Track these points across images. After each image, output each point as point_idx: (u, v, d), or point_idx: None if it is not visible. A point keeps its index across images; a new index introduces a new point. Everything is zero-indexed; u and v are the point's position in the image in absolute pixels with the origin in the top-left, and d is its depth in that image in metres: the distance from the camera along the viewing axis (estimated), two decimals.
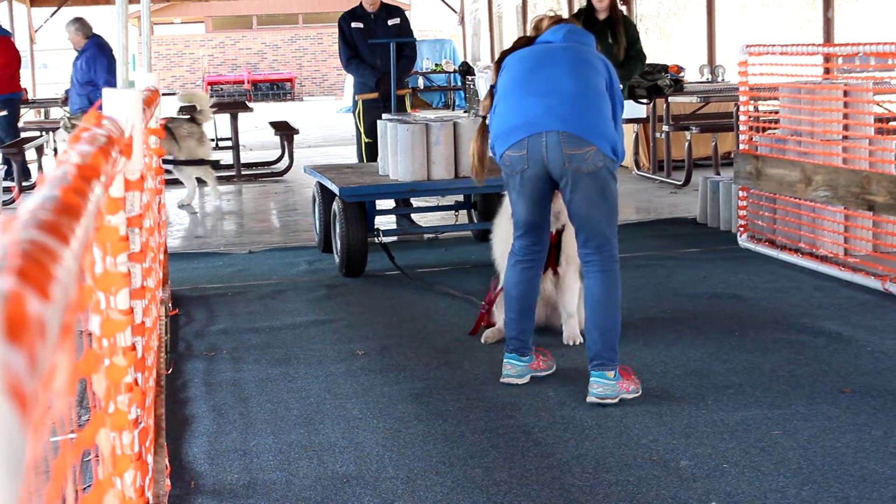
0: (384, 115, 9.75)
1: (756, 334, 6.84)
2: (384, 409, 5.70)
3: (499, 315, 6.85)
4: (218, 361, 6.71)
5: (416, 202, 10.72)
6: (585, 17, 10.65)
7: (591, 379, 5.64)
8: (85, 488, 3.08)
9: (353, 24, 10.77)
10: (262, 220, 12.47)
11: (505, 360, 5.99)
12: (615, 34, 10.62)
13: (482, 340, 6.78)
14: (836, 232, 8.72)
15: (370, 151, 10.51)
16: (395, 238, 10.10)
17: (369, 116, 10.61)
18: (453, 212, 10.66)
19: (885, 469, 4.70)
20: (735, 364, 6.22)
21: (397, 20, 10.90)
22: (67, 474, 1.48)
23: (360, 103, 10.91)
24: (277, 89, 39.98)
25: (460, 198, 10.32)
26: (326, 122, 26.82)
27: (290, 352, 6.83)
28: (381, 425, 5.47)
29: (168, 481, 4.52)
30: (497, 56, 5.84)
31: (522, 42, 5.85)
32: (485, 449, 5.10)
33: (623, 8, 11.18)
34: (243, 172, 15.81)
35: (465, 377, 6.22)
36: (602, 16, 10.64)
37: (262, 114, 24.28)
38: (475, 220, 10.12)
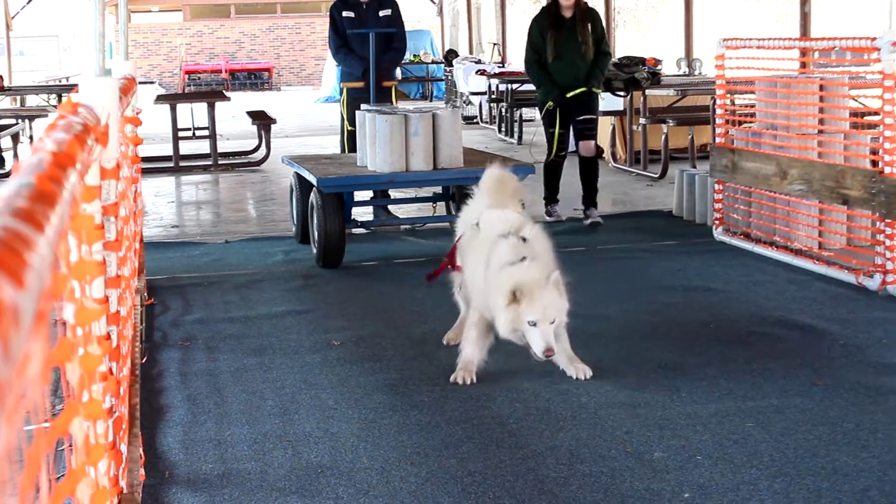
0: (363, 106, 9.72)
1: (730, 327, 6.86)
2: (359, 400, 5.70)
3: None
4: (193, 351, 6.70)
5: (393, 193, 10.69)
6: (548, 13, 10.47)
7: None
8: (59, 478, 3.07)
9: (345, 13, 10.74)
10: (238, 209, 12.44)
11: None
12: (583, 32, 10.38)
13: (444, 341, 6.63)
14: (811, 226, 8.75)
15: (352, 140, 10.45)
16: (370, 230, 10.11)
17: (353, 105, 10.52)
18: (431, 203, 10.67)
19: (857, 461, 4.73)
20: (709, 356, 6.24)
21: (389, 11, 10.85)
22: (41, 463, 1.48)
23: (345, 92, 10.89)
24: (255, 79, 39.88)
25: (438, 189, 10.32)
26: (304, 112, 26.76)
27: (266, 342, 6.82)
28: (356, 415, 5.47)
29: (142, 471, 4.51)
30: None
31: None
32: (459, 439, 5.10)
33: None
34: (220, 162, 15.76)
35: (440, 368, 6.22)
36: (568, 13, 10.39)
37: (240, 103, 24.21)
38: (453, 212, 10.09)
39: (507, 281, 5.65)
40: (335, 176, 8.74)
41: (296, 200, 9.79)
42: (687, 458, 4.82)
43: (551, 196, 10.82)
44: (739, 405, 5.46)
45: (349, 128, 10.66)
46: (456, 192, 9.95)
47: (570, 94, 10.30)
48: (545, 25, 10.39)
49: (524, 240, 5.90)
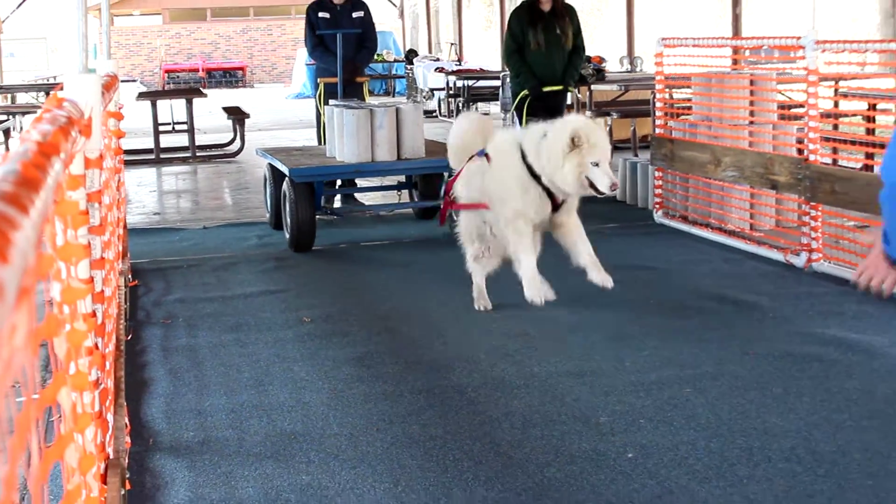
0: (331, 101, 9.69)
1: (669, 302, 6.89)
2: (329, 372, 5.69)
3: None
4: (174, 328, 6.67)
5: (360, 182, 10.66)
6: (529, 9, 10.19)
7: None
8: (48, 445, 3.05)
9: (321, 14, 10.71)
10: (215, 198, 12.38)
11: None
12: (562, 25, 10.16)
13: (478, 308, 6.74)
14: (743, 209, 8.79)
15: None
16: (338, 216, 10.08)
17: (329, 98, 10.46)
18: (396, 191, 10.61)
19: (785, 423, 4.76)
20: (650, 329, 6.26)
21: (361, 13, 10.82)
22: (31, 429, 1.47)
23: (321, 86, 10.83)
24: (230, 77, 39.68)
25: (402, 178, 10.30)
26: (275, 108, 26.64)
27: (242, 319, 6.80)
28: (325, 386, 5.47)
29: (128, 438, 4.49)
30: None
31: None
32: (422, 407, 5.11)
33: None
34: (198, 154, 15.67)
35: (403, 342, 6.22)
36: (546, 7, 10.12)
37: (216, 99, 24.07)
38: (416, 199, 10.11)
39: (565, 129, 5.85)
40: (306, 166, 8.73)
41: (269, 189, 9.73)
42: (630, 421, 4.84)
43: None
44: (678, 373, 5.48)
45: (325, 120, 10.60)
46: (419, 181, 9.97)
47: (546, 89, 10.11)
48: (525, 19, 10.16)
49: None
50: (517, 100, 10.29)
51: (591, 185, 5.94)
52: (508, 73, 10.85)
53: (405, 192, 10.46)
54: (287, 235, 8.89)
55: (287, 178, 8.78)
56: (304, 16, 10.92)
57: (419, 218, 10.04)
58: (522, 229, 6.16)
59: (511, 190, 6.20)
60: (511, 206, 6.21)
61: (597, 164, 5.80)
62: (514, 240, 6.20)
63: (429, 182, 9.76)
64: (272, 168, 9.54)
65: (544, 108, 10.06)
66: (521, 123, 10.22)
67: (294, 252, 8.70)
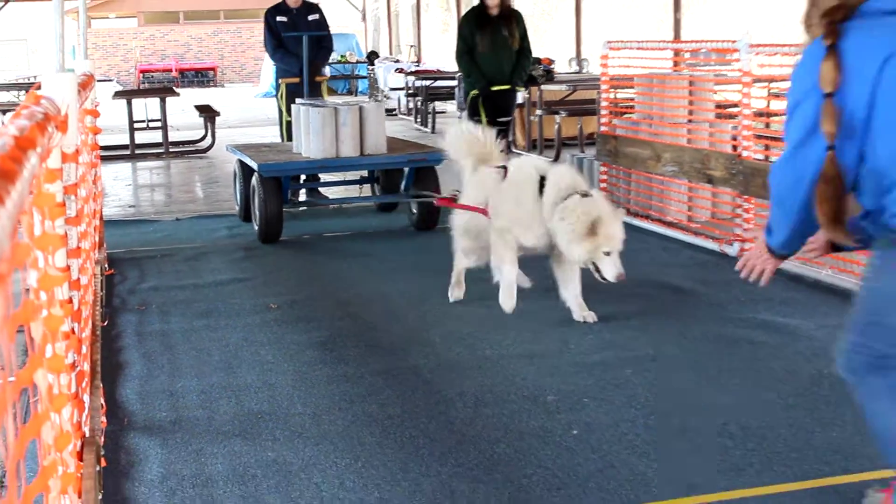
0: (297, 100, 9.63)
1: (612, 289, 6.90)
2: (294, 355, 5.69)
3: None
4: (148, 314, 6.64)
5: (324, 177, 10.63)
6: (478, 13, 10.24)
7: None
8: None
9: (278, 18, 10.66)
10: (187, 191, 12.32)
11: None
12: (509, 28, 10.17)
13: (451, 299, 6.65)
14: (681, 201, 8.85)
15: (290, 129, 10.26)
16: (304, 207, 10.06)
17: (290, 99, 10.43)
18: (358, 186, 10.60)
19: (718, 401, 4.81)
20: (595, 313, 6.29)
21: (317, 16, 10.80)
22: (8, 409, 1.48)
23: (283, 86, 10.77)
24: (202, 77, 39.39)
25: (365, 173, 10.26)
26: (245, 106, 26.49)
27: (212, 306, 6.78)
28: (291, 368, 5.47)
29: (103, 418, 4.48)
30: (806, 45, 3.22)
31: (841, 15, 3.08)
32: (380, 388, 5.12)
33: None
34: (171, 150, 15.58)
35: (364, 326, 6.23)
36: (494, 11, 10.15)
37: (188, 98, 23.91)
38: (377, 193, 10.11)
39: (586, 215, 5.71)
40: (274, 162, 8.69)
41: (239, 184, 9.66)
42: (575, 400, 4.88)
43: None
44: (619, 355, 5.52)
45: (287, 118, 10.56)
46: (381, 176, 9.95)
47: (495, 88, 10.13)
48: (473, 23, 10.19)
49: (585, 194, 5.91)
50: (469, 98, 10.32)
51: (598, 270, 5.86)
52: (461, 73, 10.84)
53: (367, 187, 10.45)
54: (256, 227, 8.84)
55: (256, 173, 8.73)
56: (263, 20, 10.85)
57: (380, 211, 10.02)
58: (510, 243, 6.14)
59: (517, 216, 6.10)
60: (509, 225, 6.14)
61: (608, 254, 5.76)
62: (500, 250, 6.18)
63: (390, 177, 9.73)
64: (242, 164, 9.46)
65: (494, 106, 10.14)
66: (474, 121, 10.23)
67: (262, 243, 8.67)
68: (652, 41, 9.32)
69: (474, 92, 10.18)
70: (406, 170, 9.14)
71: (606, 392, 4.96)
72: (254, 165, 8.69)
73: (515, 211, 6.11)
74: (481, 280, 7.17)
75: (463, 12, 10.94)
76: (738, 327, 5.91)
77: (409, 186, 9.13)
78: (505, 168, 6.33)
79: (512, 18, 10.26)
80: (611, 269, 5.78)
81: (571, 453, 4.27)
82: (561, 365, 5.38)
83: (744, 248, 7.53)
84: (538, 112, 13.89)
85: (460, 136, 6.70)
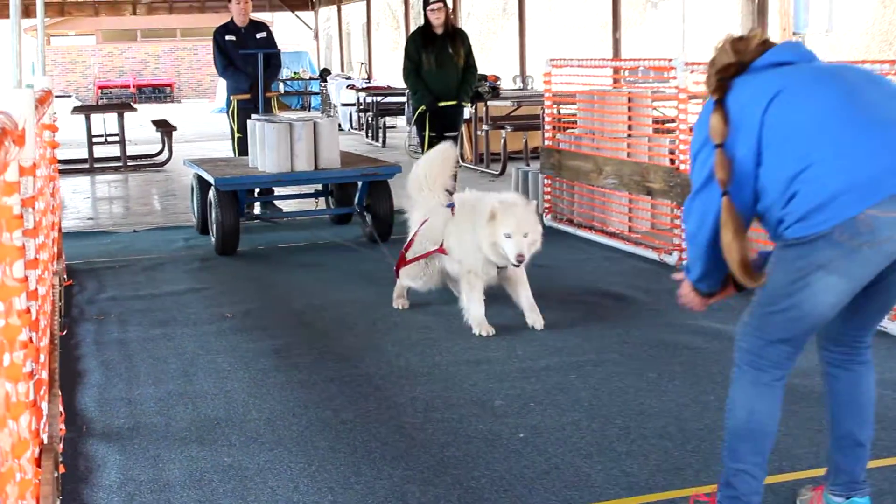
0: (253, 115, 9.51)
1: (557, 296, 6.94)
2: (249, 362, 5.64)
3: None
4: (107, 324, 6.56)
5: (279, 190, 10.55)
6: (423, 32, 10.22)
7: None
8: None
9: (227, 37, 10.53)
10: (145, 203, 12.20)
11: None
12: (454, 46, 10.17)
13: (396, 306, 6.64)
14: (622, 213, 8.89)
15: (242, 145, 10.30)
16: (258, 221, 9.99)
17: (241, 115, 10.35)
18: (313, 199, 10.52)
19: (658, 404, 4.83)
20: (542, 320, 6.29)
21: (264, 34, 10.70)
22: None
23: (234, 103, 10.62)
24: (159, 93, 39.11)
25: (319, 186, 10.21)
26: (201, 121, 26.32)
27: (169, 315, 6.72)
28: (246, 376, 5.42)
29: (62, 425, 4.41)
30: (705, 98, 3.34)
31: (733, 71, 3.25)
32: (333, 394, 5.09)
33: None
34: (129, 164, 15.44)
35: (317, 334, 6.20)
36: (439, 31, 10.14)
37: (146, 113, 23.72)
38: (331, 206, 10.04)
39: (489, 204, 5.83)
40: (230, 176, 8.59)
41: (196, 197, 9.51)
42: (522, 404, 4.87)
43: None
44: (564, 360, 5.53)
45: (238, 134, 10.47)
46: (334, 189, 9.88)
47: (442, 104, 10.10)
48: (420, 41, 10.17)
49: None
50: (416, 114, 10.27)
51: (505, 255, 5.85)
52: (409, 90, 10.79)
53: (321, 200, 10.39)
54: (213, 240, 8.74)
55: (213, 187, 8.61)
56: (212, 40, 10.72)
57: (334, 223, 9.95)
58: (474, 283, 6.11)
59: (467, 249, 6.13)
60: (466, 263, 6.15)
61: (508, 236, 5.73)
62: (466, 291, 6.14)
63: (344, 190, 9.67)
64: (199, 178, 9.32)
65: (442, 123, 10.13)
66: (423, 139, 10.23)
67: (219, 255, 8.58)
68: (593, 59, 9.36)
69: (422, 108, 10.15)
70: (360, 183, 9.07)
71: (552, 396, 4.97)
72: (211, 179, 8.57)
73: (468, 247, 6.12)
74: (432, 290, 7.16)
75: (415, 30, 10.86)
76: (678, 333, 5.93)
77: (363, 199, 9.06)
78: (452, 206, 6.36)
79: (457, 37, 10.26)
80: (511, 250, 5.76)
81: (518, 456, 4.26)
82: (508, 371, 5.38)
83: (682, 258, 7.57)
84: (485, 127, 13.93)
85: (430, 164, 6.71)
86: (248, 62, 10.42)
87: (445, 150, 6.85)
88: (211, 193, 8.71)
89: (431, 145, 9.91)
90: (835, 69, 3.26)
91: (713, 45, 3.40)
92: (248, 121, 9.39)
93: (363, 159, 9.72)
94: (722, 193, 3.19)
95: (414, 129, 16.83)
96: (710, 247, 3.32)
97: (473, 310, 6.12)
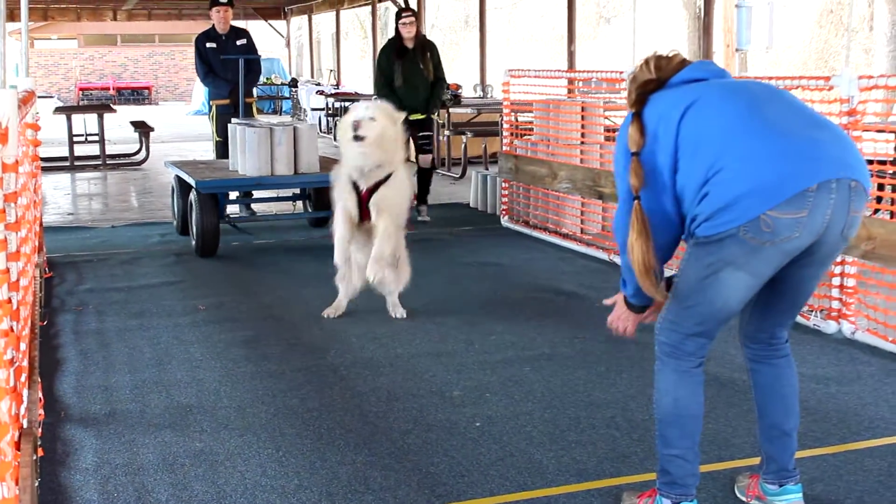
0: (234, 120, 9.28)
1: (513, 294, 6.96)
2: (221, 353, 5.61)
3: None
4: (85, 315, 6.50)
5: (258, 194, 10.39)
6: (394, 45, 9.82)
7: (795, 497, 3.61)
8: None
9: (208, 44, 10.25)
10: (123, 200, 12.10)
11: None
12: (424, 60, 9.79)
13: (324, 315, 6.37)
14: (575, 216, 8.93)
15: (221, 148, 10.04)
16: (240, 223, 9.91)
17: (221, 119, 10.09)
18: (291, 202, 10.27)
19: (607, 396, 4.85)
20: (497, 316, 6.31)
21: (244, 40, 10.42)
22: None
23: (214, 108, 10.37)
24: (137, 95, 38.79)
25: (297, 190, 9.94)
26: (177, 123, 26.16)
27: (145, 307, 6.66)
28: (218, 365, 5.39)
29: (41, 411, 4.37)
30: (630, 105, 3.35)
31: (652, 86, 3.32)
32: (301, 383, 5.07)
33: None
34: (108, 162, 15.30)
35: (286, 326, 6.17)
36: (410, 44, 9.76)
37: (125, 115, 23.52)
38: (309, 209, 9.73)
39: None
40: (211, 178, 8.32)
41: (177, 199, 9.24)
42: (478, 395, 4.87)
43: (421, 197, 10.11)
44: (519, 353, 5.54)
45: (218, 138, 10.22)
46: (312, 193, 9.58)
47: (412, 118, 9.59)
48: (391, 55, 9.78)
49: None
50: None
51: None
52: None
53: (300, 203, 10.14)
54: (193, 242, 8.45)
55: (194, 189, 8.31)
56: (194, 46, 10.46)
57: (312, 227, 9.69)
58: (341, 217, 6.14)
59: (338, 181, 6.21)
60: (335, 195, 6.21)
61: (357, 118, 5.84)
62: (335, 223, 6.22)
63: (321, 194, 9.22)
64: (179, 179, 9.03)
65: (413, 135, 9.74)
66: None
67: (200, 257, 8.29)
68: (549, 70, 9.39)
69: None
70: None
71: (507, 388, 4.97)
72: (191, 181, 8.31)
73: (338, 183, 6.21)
74: None
75: (380, 40, 10.71)
76: None
77: None
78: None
79: (426, 50, 9.92)
80: (347, 121, 5.98)
81: (475, 443, 4.26)
82: (466, 363, 5.38)
83: None
84: (447, 133, 13.93)
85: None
86: (227, 68, 10.17)
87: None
88: (192, 196, 8.41)
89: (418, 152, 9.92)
90: (741, 84, 3.32)
91: (636, 63, 3.47)
92: (229, 125, 9.12)
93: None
94: (634, 198, 3.26)
95: None
96: None
97: (337, 234, 6.16)
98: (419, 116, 9.87)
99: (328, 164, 9.06)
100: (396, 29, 9.88)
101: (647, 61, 3.37)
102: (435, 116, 10.44)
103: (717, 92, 3.23)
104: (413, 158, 9.82)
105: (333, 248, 6.23)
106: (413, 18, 9.87)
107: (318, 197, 9.49)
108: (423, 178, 10.12)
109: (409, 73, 9.77)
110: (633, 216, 3.26)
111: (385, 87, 9.78)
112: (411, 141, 9.47)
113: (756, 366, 3.54)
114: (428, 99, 9.92)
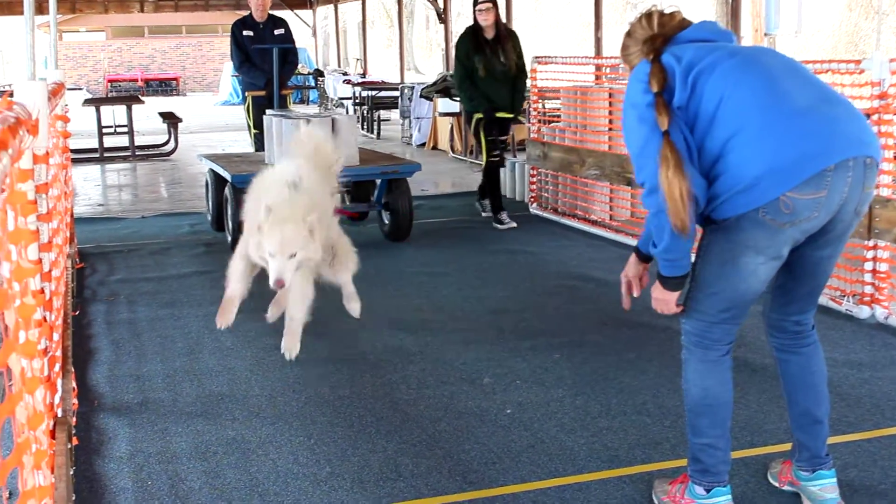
0: (269, 111, 8.90)
1: (542, 281, 6.94)
2: (251, 341, 5.63)
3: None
4: (117, 304, 6.54)
5: None
6: (473, 35, 8.97)
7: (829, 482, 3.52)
8: None
9: (245, 32, 9.98)
10: (152, 191, 12.16)
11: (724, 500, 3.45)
12: (505, 50, 8.95)
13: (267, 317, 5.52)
14: (604, 202, 8.89)
15: (259, 140, 9.71)
16: None
17: (257, 111, 9.83)
18: None
19: (637, 382, 4.83)
20: (526, 304, 6.30)
21: (282, 30, 10.13)
22: None
23: (249, 99, 10.13)
24: (165, 86, 38.96)
25: None
26: (205, 113, 26.25)
27: (176, 296, 6.69)
28: (248, 354, 5.41)
29: (75, 400, 4.40)
30: (633, 58, 3.32)
31: (660, 42, 3.22)
32: (331, 371, 5.08)
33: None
34: (137, 153, 15.39)
35: (315, 314, 6.15)
36: (490, 33, 8.92)
37: (153, 106, 23.64)
38: (347, 203, 9.05)
39: (263, 211, 4.41)
40: (247, 173, 7.60)
41: (211, 193, 8.94)
42: (509, 382, 4.87)
43: (497, 205, 9.11)
44: (549, 340, 5.53)
45: (254, 130, 9.97)
46: (352, 186, 8.98)
47: (498, 116, 8.95)
48: (470, 46, 8.92)
49: (295, 185, 4.62)
50: (474, 123, 9.10)
51: None
52: (461, 96, 9.34)
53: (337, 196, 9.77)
54: (229, 238, 8.15)
55: (229, 184, 8.04)
56: (230, 34, 10.22)
57: (349, 223, 9.08)
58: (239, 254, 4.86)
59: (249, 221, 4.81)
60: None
61: (272, 255, 4.35)
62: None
63: (360, 188, 8.98)
64: (214, 173, 8.76)
65: (493, 133, 9.02)
66: (479, 141, 9.18)
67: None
68: (576, 57, 9.34)
69: (479, 115, 8.98)
70: (378, 181, 8.47)
71: (537, 374, 4.96)
72: (227, 176, 8.01)
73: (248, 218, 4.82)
74: (425, 273, 7.17)
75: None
76: (655, 316, 5.83)
77: (381, 197, 8.48)
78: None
79: (508, 39, 9.08)
80: (272, 273, 4.37)
81: (506, 430, 4.26)
82: (496, 350, 5.37)
83: None
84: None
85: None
86: (264, 58, 9.91)
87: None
88: (227, 190, 8.14)
89: (492, 147, 9.04)
90: (755, 54, 3.21)
91: (629, 21, 3.38)
92: (264, 116, 8.72)
93: (382, 157, 9.00)
94: (662, 134, 3.07)
95: (407, 121, 16.91)
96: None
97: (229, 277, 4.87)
98: (505, 115, 9.06)
99: (369, 156, 8.75)
100: (474, 16, 9.04)
101: (647, 16, 3.27)
102: (521, 119, 9.60)
103: (734, 61, 3.12)
104: (485, 158, 9.20)
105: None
106: (490, 4, 8.94)
107: (357, 191, 9.08)
108: (493, 179, 9.18)
109: (490, 65, 8.95)
110: (664, 152, 3.05)
111: (466, 80, 8.96)
112: (481, 139, 9.05)
113: (783, 356, 3.49)
114: (513, 96, 9.09)
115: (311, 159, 5.02)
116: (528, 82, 9.29)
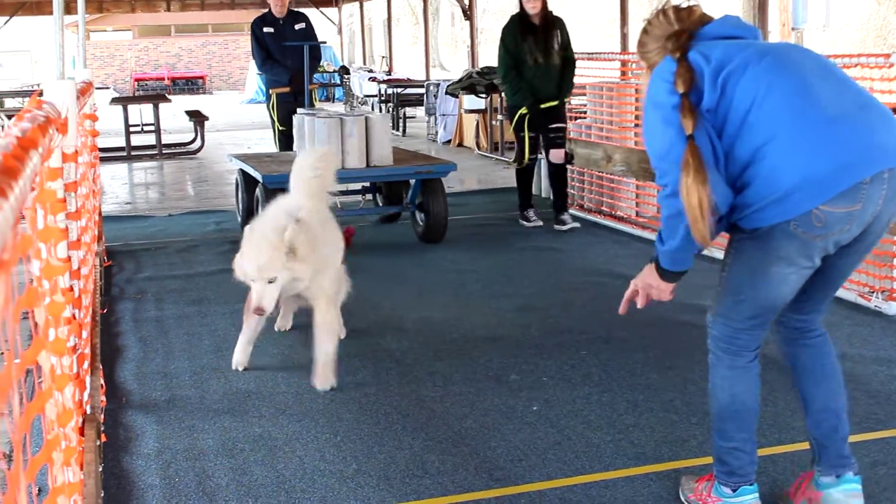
0: (299, 110, 8.78)
1: (568, 278, 6.93)
2: (277, 339, 5.65)
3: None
4: (144, 302, 6.58)
5: None
6: (520, 23, 8.56)
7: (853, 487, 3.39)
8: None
9: (265, 29, 9.84)
10: (179, 189, 12.23)
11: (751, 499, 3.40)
12: (553, 38, 8.55)
13: (276, 328, 5.78)
14: (630, 199, 8.87)
15: (285, 139, 9.68)
16: None
17: (282, 108, 9.76)
18: (361, 195, 9.40)
19: (664, 379, 4.82)
20: (553, 301, 6.29)
21: (303, 25, 9.97)
22: (14, 386, 1.44)
23: (273, 97, 9.97)
24: (192, 85, 39.14)
25: (367, 183, 9.16)
26: (232, 112, 26.35)
27: (203, 294, 6.73)
28: (275, 351, 5.43)
29: (103, 397, 4.43)
30: (653, 53, 3.22)
31: (685, 38, 3.12)
32: (357, 368, 5.09)
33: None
34: (164, 151, 15.47)
35: (341, 312, 6.18)
36: (537, 21, 8.50)
37: (179, 104, 23.75)
38: (380, 204, 9.20)
39: (246, 233, 4.55)
40: (279, 173, 7.60)
41: (242, 194, 8.68)
42: (535, 379, 4.86)
43: (525, 202, 9.00)
44: (575, 337, 5.52)
45: (280, 128, 9.86)
46: (383, 187, 9.06)
47: (543, 106, 8.56)
48: (517, 34, 8.52)
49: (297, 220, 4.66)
50: (516, 117, 8.69)
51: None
52: (504, 88, 8.91)
53: (369, 196, 9.42)
54: None
55: (260, 184, 7.92)
56: (250, 32, 10.07)
57: (381, 223, 9.14)
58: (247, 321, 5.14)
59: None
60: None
61: (253, 280, 4.40)
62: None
63: (393, 188, 8.89)
64: (244, 174, 8.57)
65: (544, 119, 8.65)
66: (523, 141, 8.76)
67: None
68: (602, 53, 9.32)
69: (523, 110, 8.59)
70: (412, 181, 8.31)
71: (563, 371, 4.96)
72: (258, 176, 7.86)
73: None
74: (451, 271, 7.18)
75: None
76: (682, 312, 5.91)
77: (415, 198, 8.30)
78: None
79: (555, 27, 8.64)
80: (252, 298, 4.49)
81: (532, 428, 4.26)
82: (522, 347, 5.37)
83: None
84: (499, 117, 13.88)
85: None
86: (286, 54, 9.77)
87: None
88: (258, 191, 8.04)
89: (532, 147, 8.74)
90: (787, 54, 3.09)
91: (645, 17, 3.28)
92: (295, 115, 8.64)
93: (416, 156, 8.75)
94: (687, 138, 2.99)
95: (433, 119, 16.89)
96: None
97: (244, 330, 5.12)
98: (552, 104, 8.64)
99: (403, 156, 8.54)
100: (520, 3, 8.63)
101: (664, 12, 3.15)
102: (567, 101, 9.08)
103: (766, 62, 3.00)
104: (542, 154, 9.03)
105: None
106: None
107: (389, 191, 9.00)
108: (558, 177, 8.86)
109: (538, 54, 8.52)
110: (686, 157, 2.97)
111: (511, 70, 8.56)
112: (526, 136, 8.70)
113: (792, 349, 3.40)
114: (560, 83, 8.67)
115: (305, 188, 5.28)
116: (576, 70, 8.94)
